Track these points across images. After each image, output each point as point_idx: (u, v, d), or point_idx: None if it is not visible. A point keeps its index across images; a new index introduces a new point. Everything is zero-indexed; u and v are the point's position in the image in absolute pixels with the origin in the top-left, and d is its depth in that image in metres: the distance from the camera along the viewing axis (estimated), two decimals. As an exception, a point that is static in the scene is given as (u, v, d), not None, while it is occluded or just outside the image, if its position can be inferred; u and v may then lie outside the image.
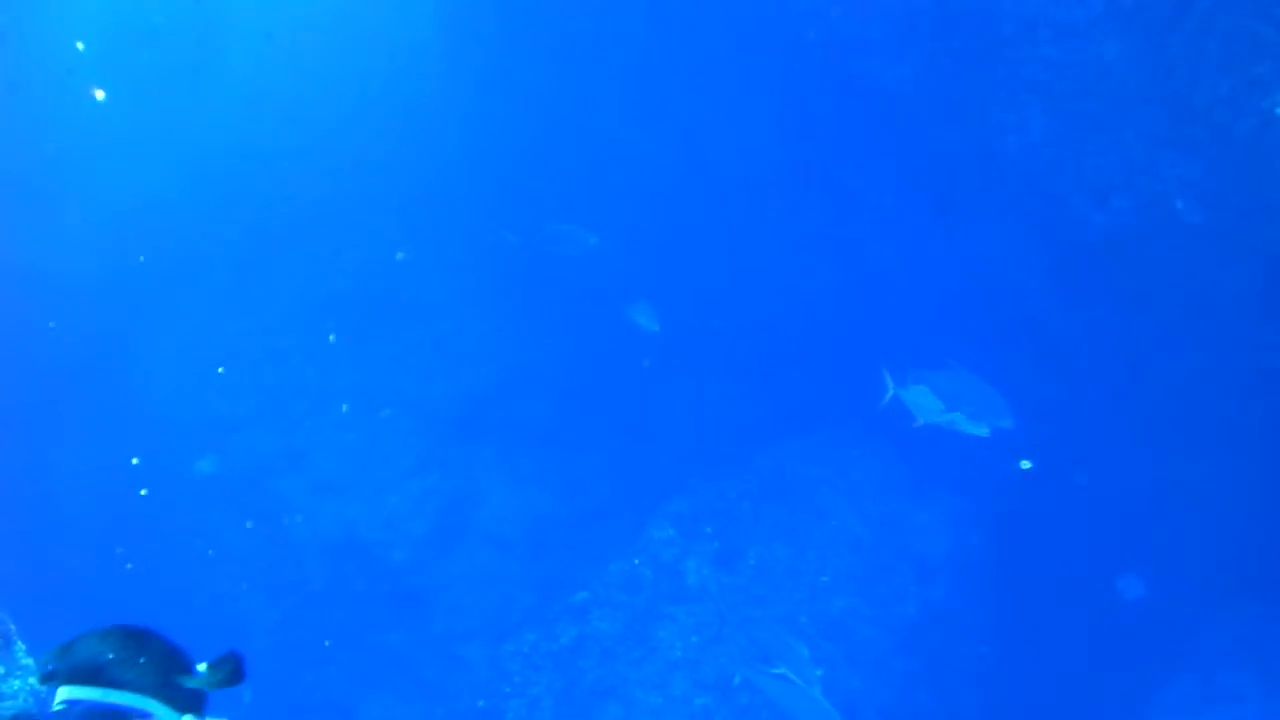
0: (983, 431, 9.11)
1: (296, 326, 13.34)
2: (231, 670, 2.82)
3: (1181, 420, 10.80)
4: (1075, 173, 10.20)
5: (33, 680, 5.23)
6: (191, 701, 2.78)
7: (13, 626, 5.57)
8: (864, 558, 11.76)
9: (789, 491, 12.24)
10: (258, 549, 12.24)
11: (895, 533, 11.99)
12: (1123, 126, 9.69)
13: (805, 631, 10.21)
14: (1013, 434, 9.52)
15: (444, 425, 12.90)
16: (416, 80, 13.91)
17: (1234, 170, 9.09)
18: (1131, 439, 10.84)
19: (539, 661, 11.36)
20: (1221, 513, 11.01)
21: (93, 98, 13.17)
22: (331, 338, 12.93)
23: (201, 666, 2.82)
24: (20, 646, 5.50)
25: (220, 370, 13.05)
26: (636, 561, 11.84)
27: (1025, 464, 9.93)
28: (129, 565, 11.63)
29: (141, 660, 2.73)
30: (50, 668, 2.71)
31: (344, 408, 12.38)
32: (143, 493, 11.99)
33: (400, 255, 13.14)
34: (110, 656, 2.71)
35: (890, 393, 9.69)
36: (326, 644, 11.76)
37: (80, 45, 13.71)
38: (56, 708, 2.67)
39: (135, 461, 12.07)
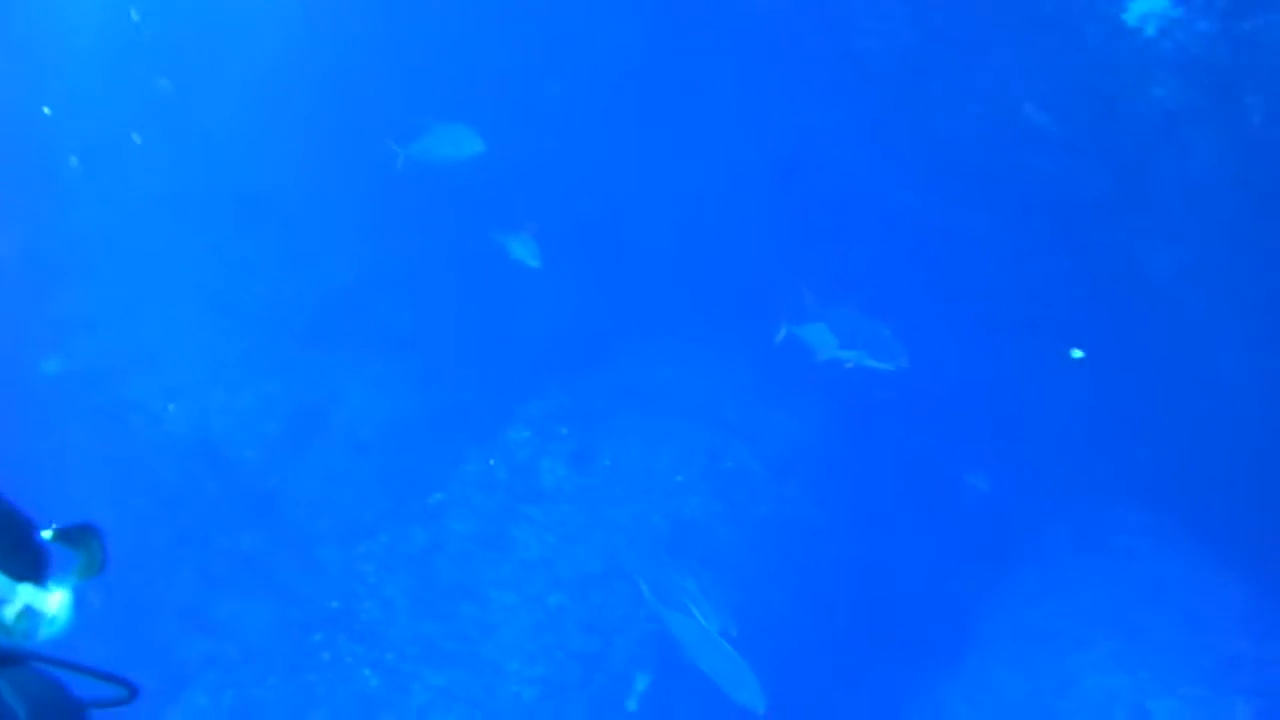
0: (887, 368, 9.25)
1: (146, 224, 12.90)
2: (82, 536, 2.42)
3: (1027, 320, 11.01)
4: (932, 77, 10.20)
5: None
6: (29, 568, 2.38)
7: None
8: (718, 458, 11.86)
9: (644, 393, 12.27)
10: (106, 450, 11.96)
11: (749, 433, 12.11)
12: (978, 31, 9.68)
13: (689, 564, 10.18)
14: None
15: (299, 326, 12.65)
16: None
17: (1082, 77, 9.13)
18: (979, 340, 11.01)
19: (393, 563, 11.35)
20: (1064, 411, 11.30)
21: None
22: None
23: (47, 533, 2.42)
24: None
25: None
26: (492, 462, 11.82)
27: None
28: (-31, 469, 11.28)
29: None
30: None
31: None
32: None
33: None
34: None
35: (784, 331, 9.77)
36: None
37: None
38: None
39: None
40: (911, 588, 11.62)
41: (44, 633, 2.39)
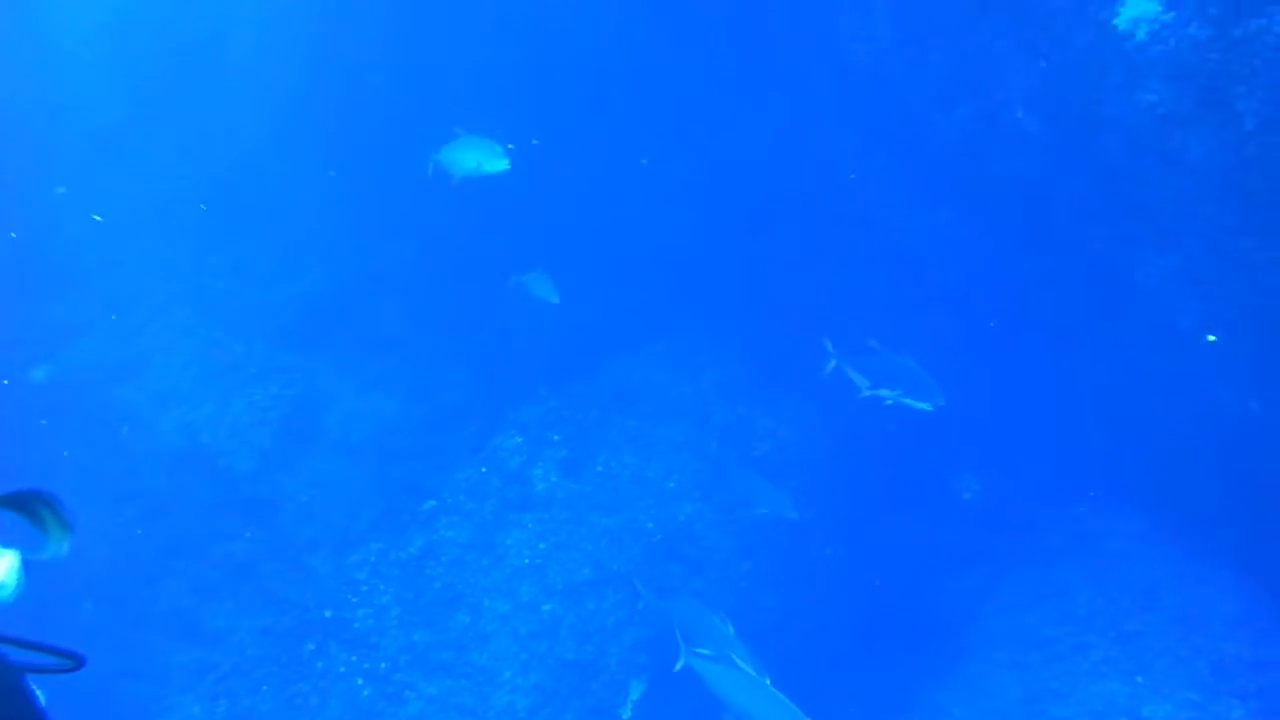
0: (927, 407, 9.36)
1: (135, 231, 12.87)
2: (30, 503, 2.31)
3: (1016, 325, 11.02)
4: (919, 80, 10.20)
5: None
6: None
7: None
8: (710, 463, 11.86)
9: (636, 399, 12.28)
10: (96, 458, 11.91)
11: (741, 438, 12.11)
12: (966, 35, 9.69)
13: (723, 610, 10.06)
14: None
15: (289, 331, 12.63)
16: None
17: (1072, 81, 9.14)
18: (968, 344, 11.02)
19: (386, 570, 11.31)
20: (1055, 416, 11.31)
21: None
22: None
23: None
24: None
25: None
26: (484, 469, 11.81)
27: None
28: (-41, 478, 11.22)
29: None
30: None
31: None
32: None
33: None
34: None
35: (832, 364, 9.86)
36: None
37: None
38: None
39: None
40: (905, 593, 11.62)
41: None
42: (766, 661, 9.29)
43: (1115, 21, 8.36)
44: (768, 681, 8.78)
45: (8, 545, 2.40)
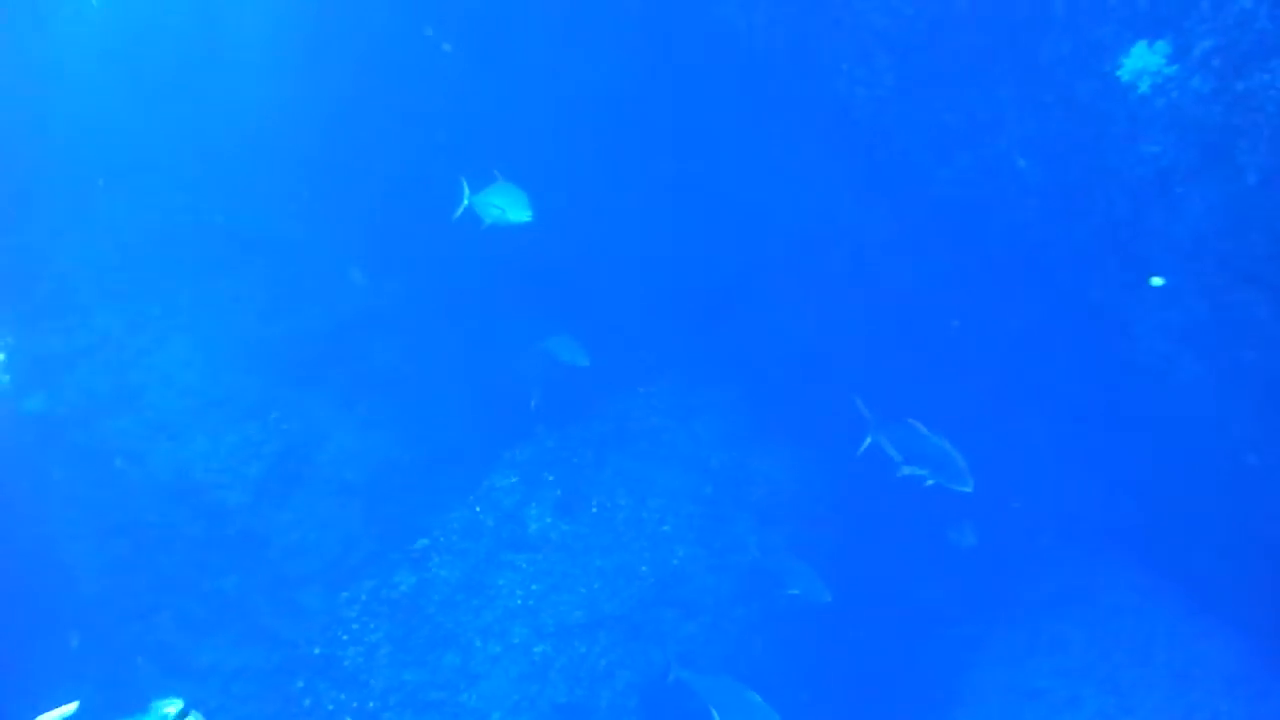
0: (966, 489, 9.34)
1: (132, 261, 12.84)
2: None
3: (1013, 372, 11.01)
4: (921, 127, 10.23)
5: None
6: None
7: None
8: (705, 506, 11.83)
9: (632, 440, 12.25)
10: (87, 491, 11.83)
11: (736, 481, 12.08)
12: (968, 83, 9.73)
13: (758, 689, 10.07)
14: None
15: (285, 366, 12.57)
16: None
17: (1074, 131, 9.18)
18: (963, 392, 11.00)
19: (377, 609, 11.23)
20: (1050, 466, 11.28)
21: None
22: None
23: None
24: None
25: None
26: (478, 509, 11.75)
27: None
28: (-50, 508, 11.18)
29: None
30: None
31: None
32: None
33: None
34: None
35: (869, 440, 9.88)
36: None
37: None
38: None
39: (-44, 399, 11.60)
40: (898, 642, 11.55)
41: None
42: None
43: (1118, 73, 8.43)
44: None
45: None
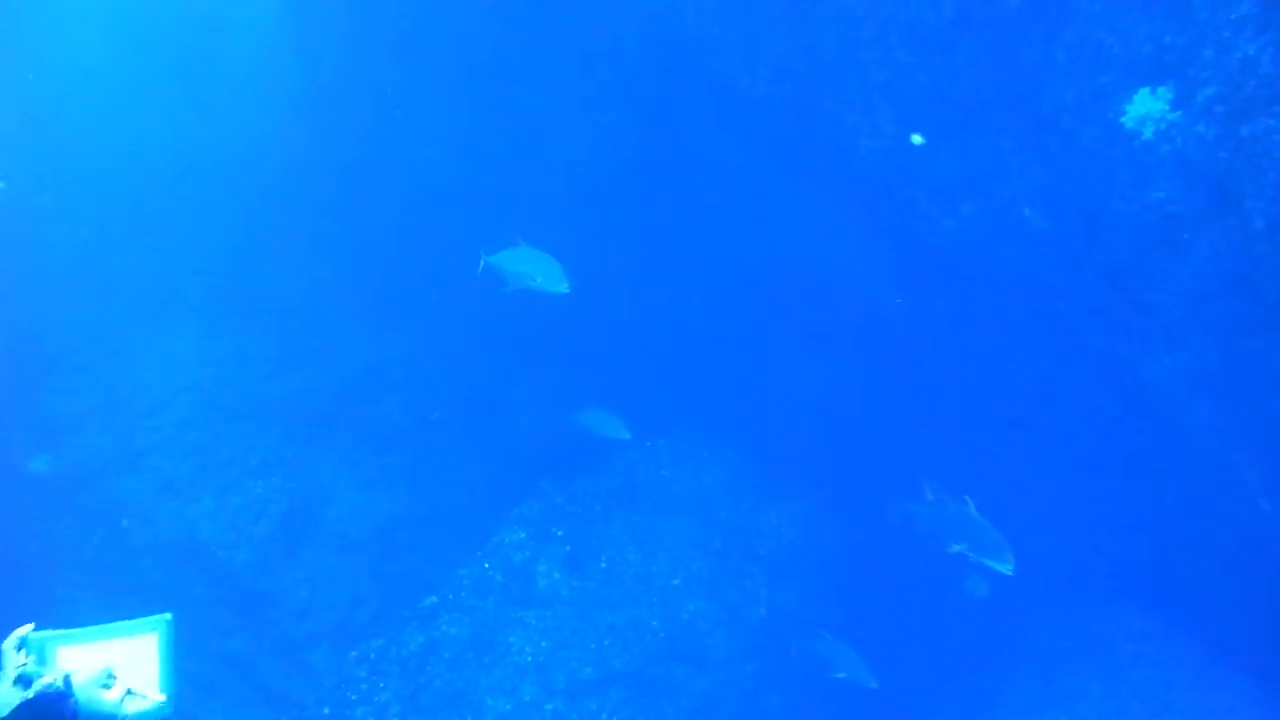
0: (1008, 570, 9.31)
1: (136, 321, 12.86)
2: None
3: (1025, 421, 10.95)
4: (925, 177, 10.24)
5: None
6: None
7: None
8: (714, 560, 11.75)
9: (640, 494, 12.20)
10: (93, 551, 11.77)
11: (746, 535, 12.01)
12: (971, 133, 9.74)
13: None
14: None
15: (290, 424, 12.55)
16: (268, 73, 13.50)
17: (1079, 179, 9.18)
18: (976, 441, 10.96)
19: (386, 667, 11.13)
20: (1065, 514, 11.21)
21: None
22: None
23: None
24: None
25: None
26: (486, 565, 11.69)
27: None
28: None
29: None
30: None
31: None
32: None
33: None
34: None
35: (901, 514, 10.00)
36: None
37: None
38: None
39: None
40: (912, 694, 11.42)
41: None
42: None
43: (1122, 120, 8.44)
44: None
45: None
